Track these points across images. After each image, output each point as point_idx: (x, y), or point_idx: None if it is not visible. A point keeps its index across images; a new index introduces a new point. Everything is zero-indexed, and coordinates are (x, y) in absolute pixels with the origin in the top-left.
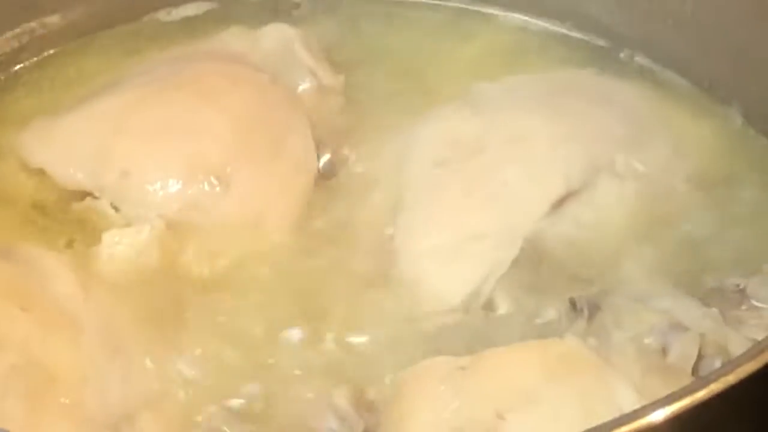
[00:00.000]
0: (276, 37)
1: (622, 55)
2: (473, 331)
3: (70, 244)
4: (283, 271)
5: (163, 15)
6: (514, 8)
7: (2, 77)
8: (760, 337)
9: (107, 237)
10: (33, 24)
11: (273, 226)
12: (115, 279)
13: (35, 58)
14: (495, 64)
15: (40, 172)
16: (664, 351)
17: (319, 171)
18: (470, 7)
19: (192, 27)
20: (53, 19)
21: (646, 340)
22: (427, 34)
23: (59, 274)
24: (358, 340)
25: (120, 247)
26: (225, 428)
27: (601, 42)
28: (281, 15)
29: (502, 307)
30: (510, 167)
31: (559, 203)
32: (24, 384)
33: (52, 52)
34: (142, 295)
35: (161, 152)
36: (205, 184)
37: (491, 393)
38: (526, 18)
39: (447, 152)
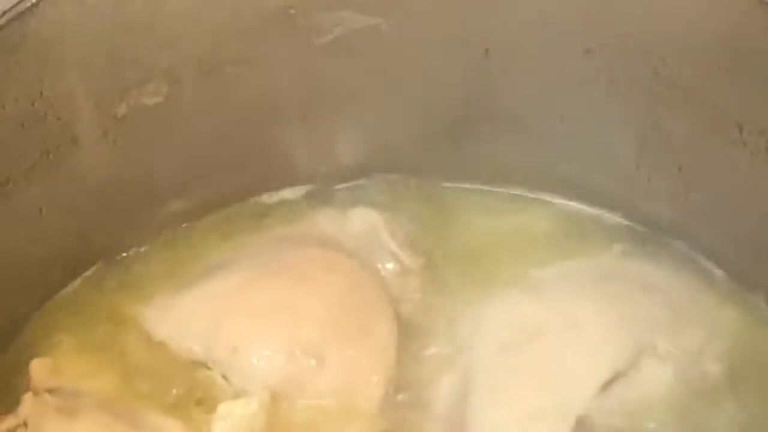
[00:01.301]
0: (363, 221)
1: (662, 242)
2: None
3: (187, 411)
4: None
5: (266, 198)
6: (566, 196)
7: (124, 256)
8: None
9: (222, 408)
10: (153, 209)
11: (363, 399)
12: None
13: (152, 238)
14: (549, 246)
15: (161, 343)
16: None
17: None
18: (527, 194)
19: (289, 209)
20: (172, 204)
21: None
22: (484, 219)
23: None
24: None
25: (233, 417)
26: None
27: (645, 230)
28: (364, 198)
29: None
30: (566, 351)
31: (608, 384)
32: None
33: (168, 232)
34: None
35: (265, 332)
36: (303, 361)
37: None
38: (578, 205)
39: (511, 336)
